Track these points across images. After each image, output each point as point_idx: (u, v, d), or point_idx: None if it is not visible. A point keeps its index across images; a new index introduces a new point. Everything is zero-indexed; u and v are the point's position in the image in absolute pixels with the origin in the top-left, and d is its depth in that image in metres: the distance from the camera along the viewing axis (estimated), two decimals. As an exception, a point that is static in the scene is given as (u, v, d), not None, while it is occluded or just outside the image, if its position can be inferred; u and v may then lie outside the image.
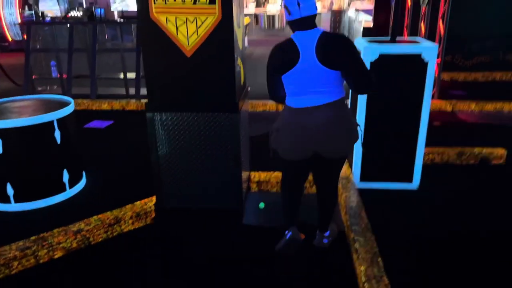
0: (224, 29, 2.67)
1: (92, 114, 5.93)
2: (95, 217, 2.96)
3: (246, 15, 13.53)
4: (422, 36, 6.11)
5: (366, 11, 12.34)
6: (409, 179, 3.52)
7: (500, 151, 3.94)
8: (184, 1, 2.62)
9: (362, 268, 2.35)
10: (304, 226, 2.97)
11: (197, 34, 2.69)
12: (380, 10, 8.07)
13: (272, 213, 3.22)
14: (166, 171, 3.02)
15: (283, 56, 2.28)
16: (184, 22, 2.67)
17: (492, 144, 4.17)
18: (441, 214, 3.15)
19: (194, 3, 2.62)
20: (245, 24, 11.97)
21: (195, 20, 2.66)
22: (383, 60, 3.22)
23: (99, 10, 10.09)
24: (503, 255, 2.65)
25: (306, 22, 2.23)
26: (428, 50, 3.18)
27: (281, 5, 15.46)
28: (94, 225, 2.88)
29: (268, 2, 15.81)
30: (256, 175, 3.59)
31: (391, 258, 2.55)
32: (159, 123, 2.89)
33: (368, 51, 3.22)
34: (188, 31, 2.69)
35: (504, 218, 3.08)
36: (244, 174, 3.27)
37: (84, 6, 14.67)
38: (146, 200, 3.16)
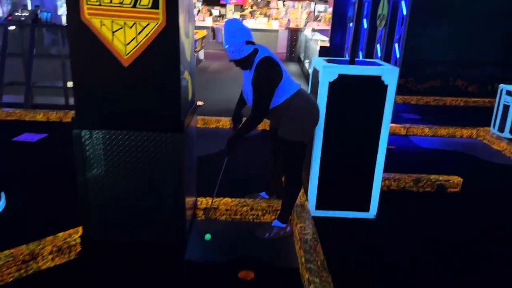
0: (168, 37, 2.34)
1: (24, 126, 5.32)
2: (6, 251, 2.47)
3: (202, 28, 13.27)
4: (377, 58, 6.10)
5: (322, 32, 12.50)
6: (366, 208, 3.31)
7: (456, 179, 3.85)
8: (122, 2, 2.27)
9: (318, 316, 2.06)
10: (255, 263, 2.66)
11: (136, 41, 2.34)
12: (336, 31, 8.09)
13: (220, 245, 2.87)
14: (96, 197, 2.59)
15: (279, 67, 2.74)
16: (122, 27, 2.31)
17: (447, 171, 4.10)
18: (400, 244, 2.95)
19: (134, 5, 2.27)
20: (201, 36, 11.69)
21: (134, 25, 2.31)
22: (341, 80, 3.02)
23: (45, 13, 9.37)
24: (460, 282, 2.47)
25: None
26: (389, 73, 3.02)
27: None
28: (3, 262, 2.39)
29: (225, 17, 15.65)
30: (204, 201, 3.24)
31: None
32: (87, 142, 2.47)
33: (327, 71, 3.01)
34: (126, 37, 2.33)
35: (459, 245, 2.93)
36: (189, 201, 2.91)
37: (29, 8, 13.76)
38: (70, 231, 2.71)
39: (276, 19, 16.13)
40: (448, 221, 3.34)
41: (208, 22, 15.03)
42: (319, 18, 16.90)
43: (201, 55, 11.93)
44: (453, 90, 7.80)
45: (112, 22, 2.30)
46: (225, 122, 5.53)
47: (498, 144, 5.24)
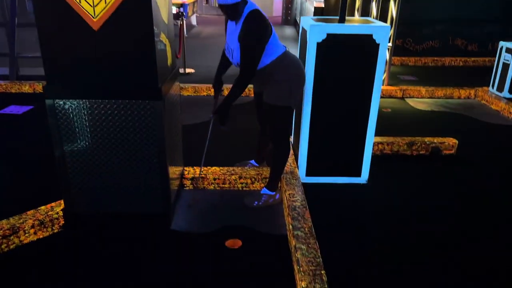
0: (139, -4, 2.17)
1: (11, 98, 5.18)
2: (-14, 226, 2.41)
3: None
4: (373, 18, 5.85)
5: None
6: (358, 173, 3.23)
7: (451, 141, 3.75)
8: (87, -41, 2.09)
9: (303, 284, 2.01)
10: (243, 231, 2.61)
11: (105, 2, 2.17)
12: (331, -10, 7.75)
13: (208, 215, 2.81)
14: (75, 170, 2.50)
15: (269, 22, 2.55)
16: (88, -14, 2.14)
17: (443, 134, 4.00)
18: (391, 213, 2.89)
19: (100, -38, 2.10)
20: (192, 1, 11.29)
21: (102, -16, 2.14)
22: (330, 40, 2.87)
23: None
24: (455, 254, 2.42)
25: None
26: (380, 31, 2.85)
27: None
28: (-16, 237, 2.34)
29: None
30: (191, 171, 3.16)
31: (335, 270, 2.25)
32: (62, 112, 2.36)
33: (315, 30, 2.85)
34: (93, -2, 2.16)
35: (450, 214, 2.87)
36: (175, 171, 2.82)
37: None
38: (52, 204, 2.64)
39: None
40: (441, 186, 3.27)
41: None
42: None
43: (193, 20, 11.57)
44: (452, 50, 7.57)
45: (78, -19, 2.13)
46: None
47: (496, 104, 5.10)
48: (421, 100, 5.47)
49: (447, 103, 5.35)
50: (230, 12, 2.51)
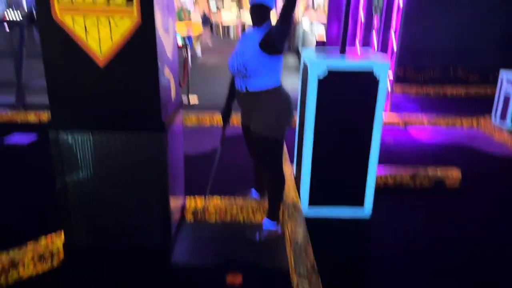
0: (145, 35, 2.22)
1: (16, 127, 5.24)
2: (-14, 260, 2.39)
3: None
4: (374, 48, 5.94)
5: (319, 23, 12.29)
6: (361, 203, 3.21)
7: (455, 173, 3.73)
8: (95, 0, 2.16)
9: (305, 323, 1.97)
10: (244, 266, 2.58)
11: (111, 39, 2.23)
12: (332, 23, 7.92)
13: (209, 248, 2.78)
14: (76, 201, 2.50)
15: None
16: (95, 25, 2.20)
17: (446, 164, 3.98)
18: (395, 251, 2.85)
19: (107, 3, 2.16)
20: (197, 34, 11.55)
21: (108, 24, 2.20)
22: (331, 75, 2.91)
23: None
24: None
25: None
26: (380, 67, 2.89)
27: (237, 16, 15.13)
28: (-17, 271, 2.32)
29: (223, 9, 15.45)
30: (192, 202, 3.15)
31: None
32: (65, 144, 2.38)
33: (316, 66, 2.89)
34: (100, 35, 2.22)
35: (456, 250, 2.83)
36: (176, 202, 2.82)
37: (25, 7, 13.67)
38: (52, 235, 2.63)
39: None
40: (446, 221, 3.22)
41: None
42: (315, 8, 16.64)
43: (198, 51, 11.80)
44: (453, 79, 7.64)
45: (86, 21, 2.19)
46: (220, 119, 5.43)
47: (499, 134, 5.10)
48: (423, 129, 5.48)
49: (449, 133, 5.35)
50: (261, 14, 2.59)
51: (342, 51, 3.10)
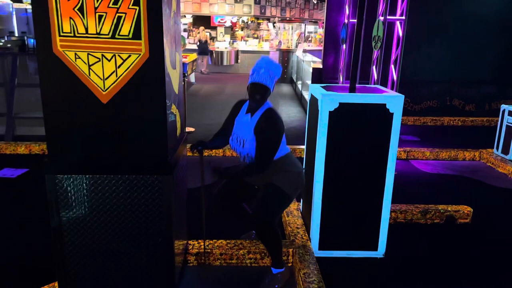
0: (152, 70, 2.09)
1: (5, 160, 5.00)
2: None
3: (192, 51, 13.11)
4: (373, 80, 5.92)
5: (313, 52, 12.43)
6: (374, 246, 3.04)
7: (466, 209, 3.60)
8: (100, 32, 2.03)
9: None
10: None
11: (116, 75, 2.08)
12: (328, 52, 7.94)
13: (214, 297, 2.57)
14: (73, 248, 2.29)
15: None
16: (99, 60, 2.06)
17: (454, 199, 3.86)
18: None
19: (113, 36, 2.03)
20: (191, 60, 11.53)
21: (113, 58, 2.06)
22: (343, 109, 2.80)
23: (32, 40, 9.08)
24: None
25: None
26: (394, 100, 2.80)
27: (229, 43, 15.25)
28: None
29: (216, 40, 15.57)
30: (196, 245, 2.94)
31: None
32: (62, 189, 2.19)
33: (327, 100, 2.78)
34: (104, 71, 2.08)
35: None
36: (179, 246, 2.61)
37: (16, 34, 13.52)
38: (45, 287, 2.40)
39: (266, 40, 16.09)
40: (460, 258, 3.07)
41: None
42: (309, 39, 16.91)
43: (192, 78, 11.74)
44: (450, 110, 7.66)
45: (89, 55, 2.05)
46: (218, 150, 5.27)
47: (503, 167, 5.02)
48: (426, 161, 5.38)
49: (452, 166, 5.26)
50: (260, 94, 2.48)
51: (352, 90, 2.98)
